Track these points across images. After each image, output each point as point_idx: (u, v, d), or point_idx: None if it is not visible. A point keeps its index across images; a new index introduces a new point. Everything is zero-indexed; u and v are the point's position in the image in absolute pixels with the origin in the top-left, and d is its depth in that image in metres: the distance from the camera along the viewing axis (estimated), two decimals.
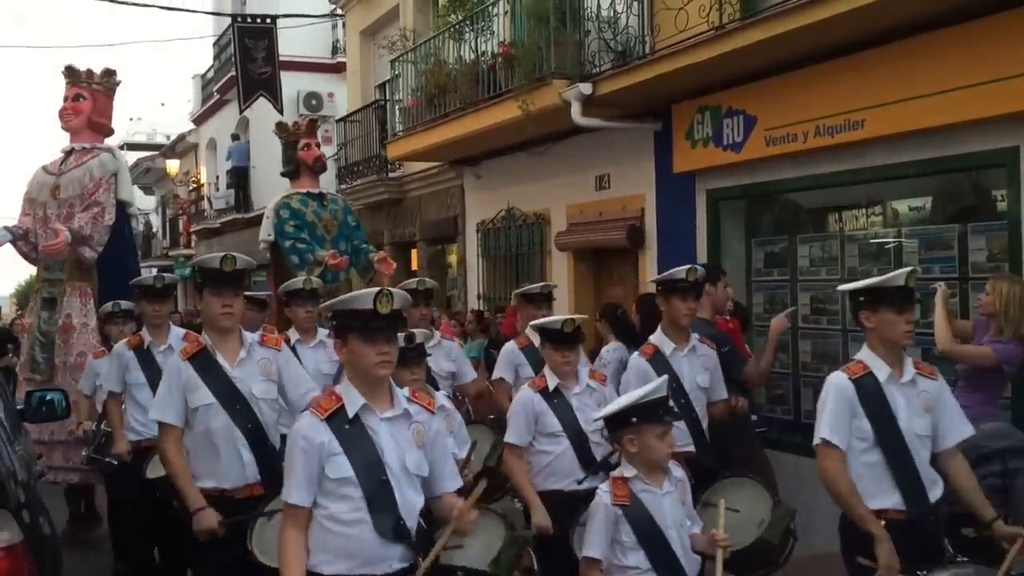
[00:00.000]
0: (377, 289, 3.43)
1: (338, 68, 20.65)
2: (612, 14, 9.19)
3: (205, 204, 26.92)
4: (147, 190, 37.43)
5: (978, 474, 4.25)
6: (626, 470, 3.93)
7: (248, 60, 13.54)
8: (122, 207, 8.55)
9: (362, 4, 16.68)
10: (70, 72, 8.67)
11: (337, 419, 3.39)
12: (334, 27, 21.18)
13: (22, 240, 8.32)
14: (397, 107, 13.33)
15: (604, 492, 3.92)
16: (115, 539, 7.01)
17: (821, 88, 7.47)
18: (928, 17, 6.51)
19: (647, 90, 8.65)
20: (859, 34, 6.89)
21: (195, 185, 28.13)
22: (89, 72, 8.73)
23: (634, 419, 3.85)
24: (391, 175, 15.48)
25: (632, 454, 3.90)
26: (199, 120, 28.06)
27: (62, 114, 8.64)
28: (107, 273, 8.26)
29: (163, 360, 5.89)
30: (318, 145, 9.11)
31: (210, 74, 25.80)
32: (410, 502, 3.42)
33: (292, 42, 18.38)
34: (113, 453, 6.29)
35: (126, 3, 12.58)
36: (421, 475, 3.46)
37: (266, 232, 8.58)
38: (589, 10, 9.31)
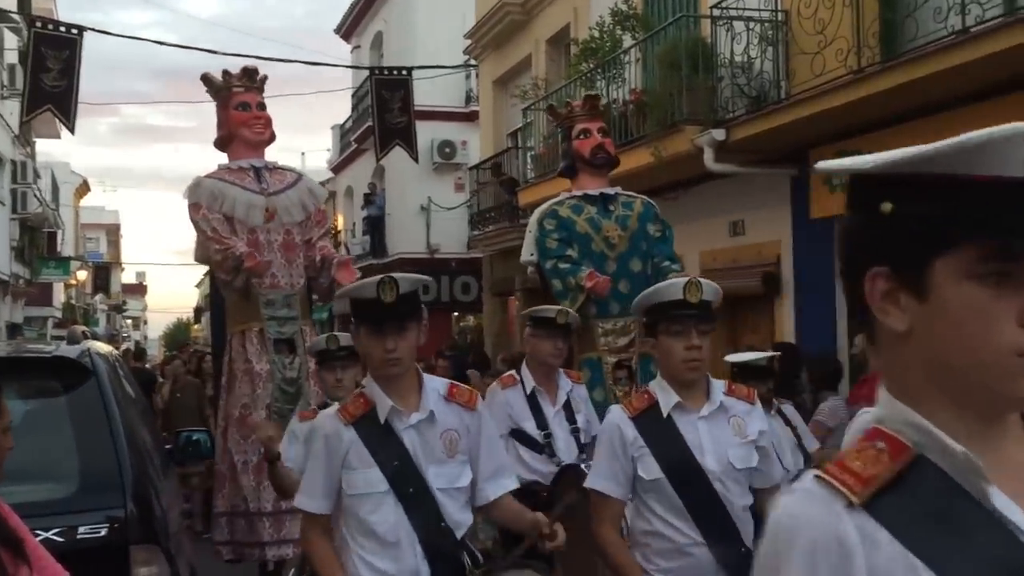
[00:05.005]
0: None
1: (471, 116, 21.06)
2: (746, 59, 9.12)
3: (342, 250, 27.66)
4: None
5: None
6: None
7: (385, 111, 13.81)
8: None
9: (495, 54, 17.00)
10: (248, 75, 7.07)
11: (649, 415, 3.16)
12: (467, 77, 21.62)
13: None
14: (529, 154, 13.46)
15: None
16: None
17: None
18: None
19: (783, 135, 8.53)
20: (1004, 77, 6.65)
21: (333, 231, 28.93)
22: (264, 77, 7.17)
23: None
24: (522, 221, 15.61)
25: None
26: (337, 169, 28.94)
27: (249, 123, 6.92)
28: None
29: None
30: (603, 132, 6.66)
31: (348, 124, 26.65)
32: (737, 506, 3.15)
33: (426, 92, 18.84)
34: None
35: (271, 60, 13.17)
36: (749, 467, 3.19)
37: (528, 251, 6.46)
38: (722, 56, 9.26)
